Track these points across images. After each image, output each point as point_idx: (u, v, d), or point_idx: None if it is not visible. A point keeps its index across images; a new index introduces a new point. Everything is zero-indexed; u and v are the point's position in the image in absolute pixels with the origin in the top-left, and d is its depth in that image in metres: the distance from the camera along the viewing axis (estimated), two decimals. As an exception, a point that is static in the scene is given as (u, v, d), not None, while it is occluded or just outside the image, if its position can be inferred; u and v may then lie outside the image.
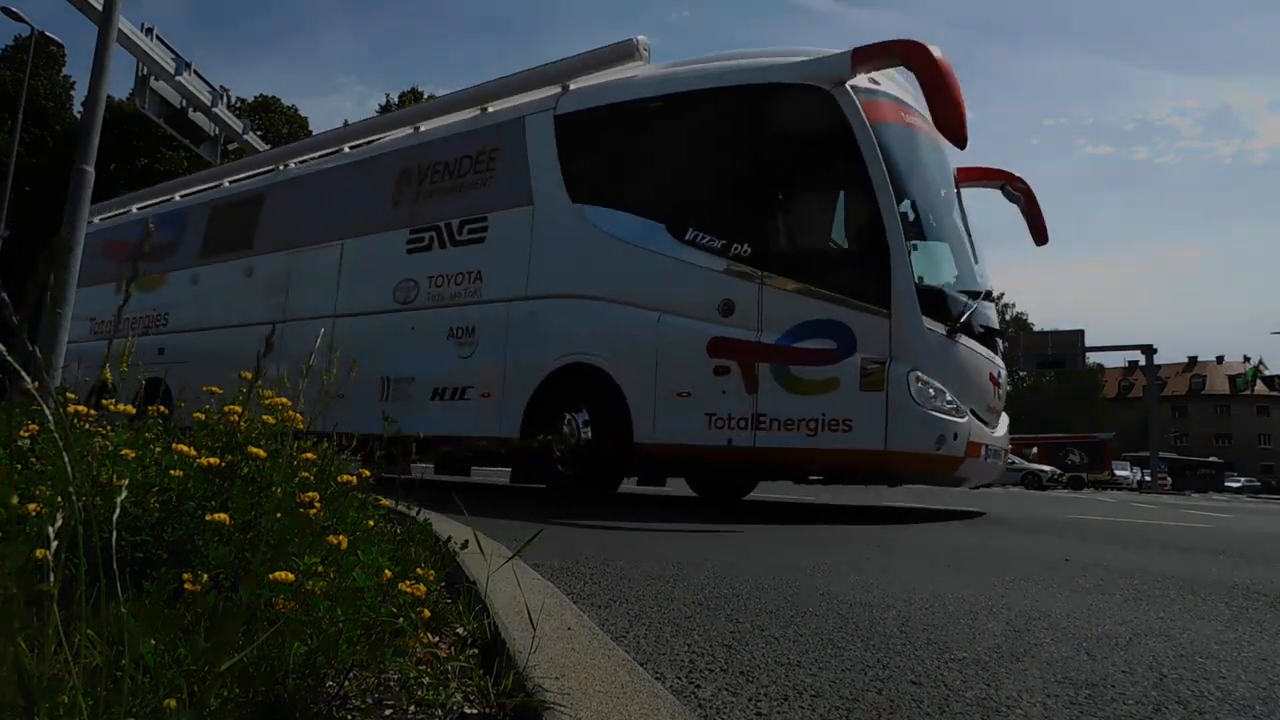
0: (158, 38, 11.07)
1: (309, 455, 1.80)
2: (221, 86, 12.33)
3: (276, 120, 33.75)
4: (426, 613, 1.34)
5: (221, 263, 9.57)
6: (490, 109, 7.61)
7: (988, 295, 6.19)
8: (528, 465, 6.81)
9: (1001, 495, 11.11)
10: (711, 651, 1.70)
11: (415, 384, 7.18)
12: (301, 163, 9.50)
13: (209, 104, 11.99)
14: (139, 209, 11.45)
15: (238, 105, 27.14)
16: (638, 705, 1.16)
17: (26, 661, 0.83)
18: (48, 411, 0.95)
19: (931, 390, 5.36)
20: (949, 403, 5.47)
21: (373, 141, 8.82)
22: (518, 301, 6.74)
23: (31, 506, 1.14)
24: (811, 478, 6.38)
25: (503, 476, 8.05)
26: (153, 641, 1.00)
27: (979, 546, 4.15)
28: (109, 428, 1.82)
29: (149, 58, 10.90)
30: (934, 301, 5.62)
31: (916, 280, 5.46)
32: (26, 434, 1.59)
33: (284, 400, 1.90)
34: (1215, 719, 1.36)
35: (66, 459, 0.93)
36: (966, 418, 5.61)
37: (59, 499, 0.97)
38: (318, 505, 1.44)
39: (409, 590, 1.29)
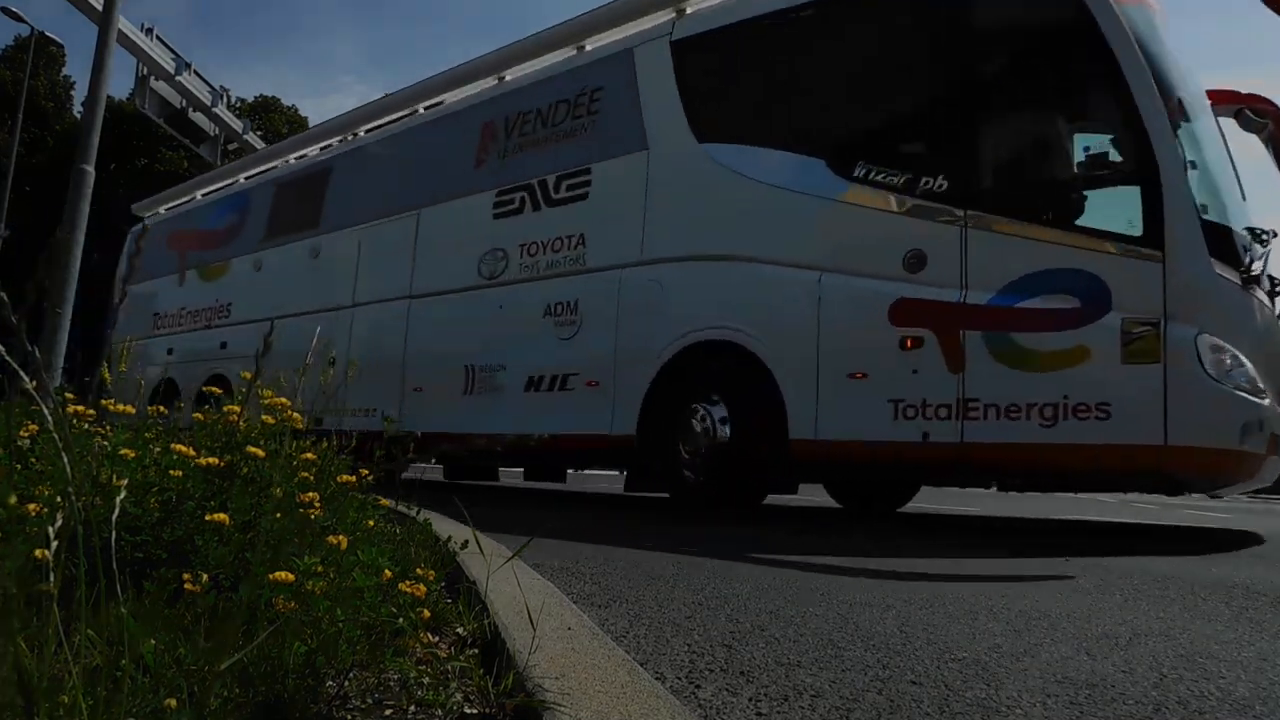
0: (158, 38, 11.10)
1: (309, 455, 1.80)
2: (221, 86, 12.37)
3: (276, 120, 33.71)
4: (426, 613, 1.34)
5: (285, 245, 8.70)
6: (588, 46, 6.46)
7: (1275, 235, 4.65)
8: (646, 470, 5.75)
9: (1000, 496, 11.04)
10: (711, 651, 1.70)
11: (506, 372, 6.15)
12: (372, 130, 8.53)
13: (209, 104, 12.02)
14: (204, 195, 10.82)
15: (238, 105, 27.13)
16: (638, 705, 1.16)
17: (26, 661, 0.83)
18: (46, 412, 0.95)
19: (1227, 360, 3.94)
20: (1249, 379, 4.03)
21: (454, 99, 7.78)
22: (631, 268, 5.59)
23: (31, 507, 1.14)
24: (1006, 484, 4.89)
25: (615, 483, 7.14)
26: (153, 641, 1.00)
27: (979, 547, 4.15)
28: (106, 428, 1.83)
29: (149, 58, 10.93)
30: (1221, 240, 4.11)
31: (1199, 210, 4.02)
32: (26, 434, 1.59)
33: (283, 400, 1.90)
34: (1215, 719, 1.36)
35: (65, 459, 0.94)
36: (1269, 399, 4.20)
37: (59, 499, 0.97)
38: (317, 505, 1.44)
39: (409, 590, 1.29)
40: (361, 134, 8.61)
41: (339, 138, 8.90)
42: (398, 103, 8.24)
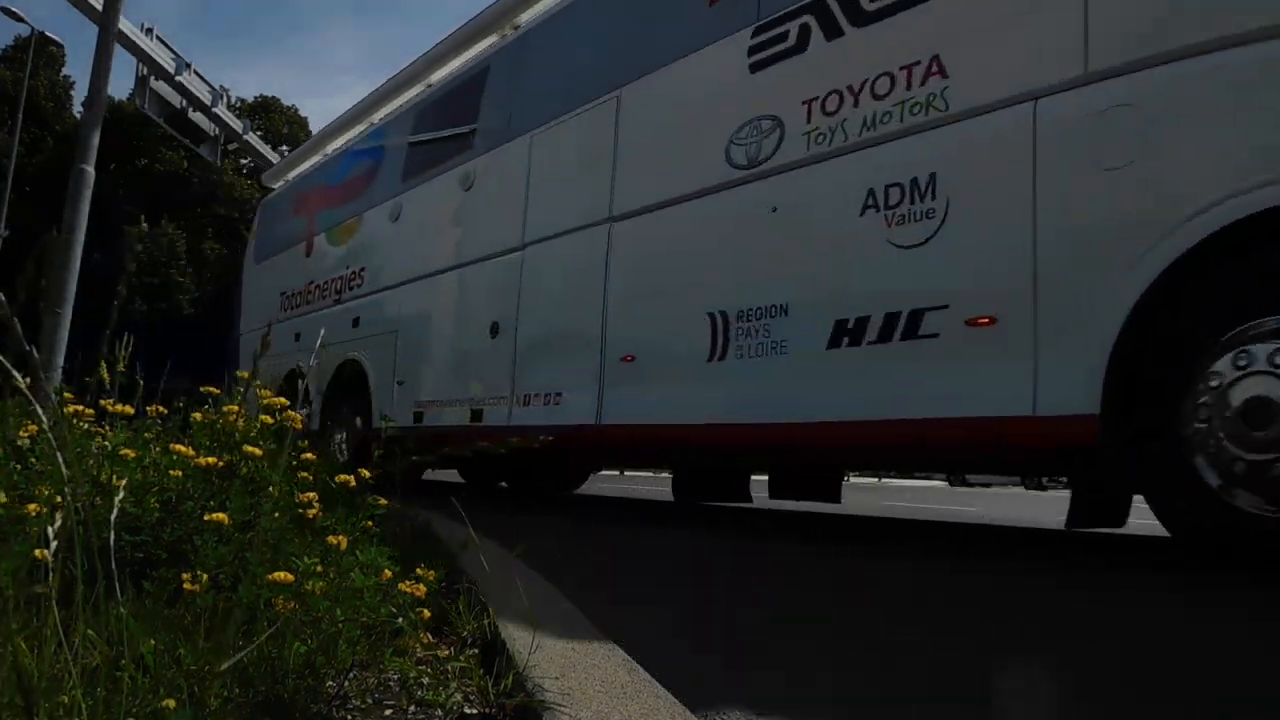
0: (158, 38, 11.08)
1: (309, 455, 1.80)
2: (221, 86, 12.35)
3: (276, 120, 33.71)
4: (426, 613, 1.34)
5: (429, 181, 6.65)
6: None
7: None
8: (1117, 483, 3.41)
9: (1001, 496, 11.00)
10: (712, 651, 1.70)
11: (788, 319, 3.78)
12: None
13: (209, 104, 12.00)
14: (333, 151, 9.02)
15: (238, 105, 27.15)
16: (638, 705, 1.16)
17: (26, 661, 0.83)
18: (42, 411, 0.95)
19: None
20: None
21: None
22: (1058, 94, 3.00)
23: (31, 507, 1.14)
24: None
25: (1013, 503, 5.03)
26: (152, 641, 1.00)
27: (979, 546, 4.15)
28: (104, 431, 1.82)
29: (149, 58, 10.91)
30: None
31: None
32: (26, 434, 1.59)
33: (281, 400, 1.89)
34: (1215, 719, 1.36)
35: (61, 459, 0.93)
36: None
37: (58, 499, 0.97)
38: (317, 506, 1.44)
39: (409, 590, 1.29)
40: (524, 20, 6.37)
41: (498, 34, 6.61)
42: None
